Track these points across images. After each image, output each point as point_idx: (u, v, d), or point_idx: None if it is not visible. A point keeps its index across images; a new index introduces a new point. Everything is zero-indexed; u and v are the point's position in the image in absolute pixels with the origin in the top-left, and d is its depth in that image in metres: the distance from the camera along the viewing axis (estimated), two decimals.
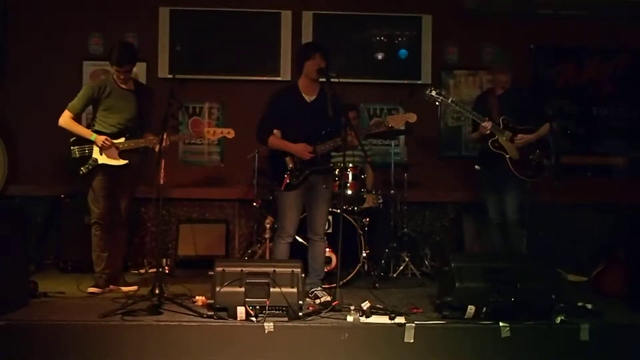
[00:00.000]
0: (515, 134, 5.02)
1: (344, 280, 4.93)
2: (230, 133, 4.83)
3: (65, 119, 4.70)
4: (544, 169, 5.06)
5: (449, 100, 5.05)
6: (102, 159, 4.68)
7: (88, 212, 4.83)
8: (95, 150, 4.68)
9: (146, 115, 4.84)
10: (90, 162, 4.67)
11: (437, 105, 5.40)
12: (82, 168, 4.67)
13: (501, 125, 5.04)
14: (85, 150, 4.68)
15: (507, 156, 5.02)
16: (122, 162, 4.71)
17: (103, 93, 4.69)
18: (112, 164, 4.69)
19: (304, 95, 4.60)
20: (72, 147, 4.70)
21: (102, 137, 4.64)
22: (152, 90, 5.02)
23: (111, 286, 4.78)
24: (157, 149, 4.61)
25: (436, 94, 5.01)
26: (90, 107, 4.81)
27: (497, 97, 5.17)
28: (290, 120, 4.56)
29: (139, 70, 6.23)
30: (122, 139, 4.71)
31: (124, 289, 4.76)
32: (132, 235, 5.60)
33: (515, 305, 3.93)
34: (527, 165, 5.02)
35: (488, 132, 5.00)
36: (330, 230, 5.03)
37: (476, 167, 5.32)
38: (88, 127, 4.76)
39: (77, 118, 4.75)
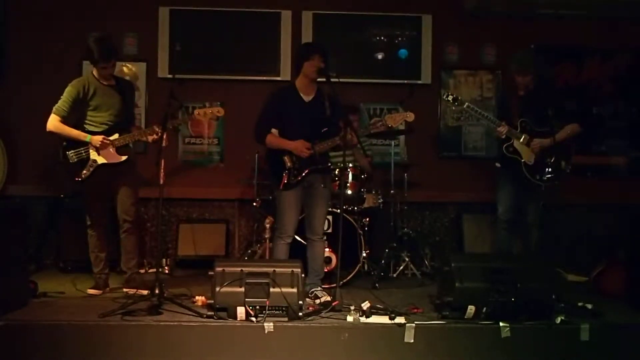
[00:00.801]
0: (532, 137, 4.94)
1: (344, 280, 4.92)
2: (220, 112, 4.75)
3: (55, 123, 4.59)
4: (561, 173, 4.94)
5: (465, 106, 4.98)
6: (101, 159, 4.63)
7: (86, 213, 4.81)
8: (92, 151, 4.62)
9: (131, 109, 4.82)
10: (90, 164, 4.61)
11: (453, 110, 5.33)
12: (83, 171, 4.60)
13: (519, 129, 4.95)
14: (81, 153, 4.61)
15: (522, 160, 4.95)
16: (122, 158, 4.66)
17: (88, 92, 4.60)
18: (112, 163, 4.64)
19: (301, 95, 4.60)
20: (67, 152, 4.61)
21: (99, 137, 4.58)
22: (133, 83, 4.98)
23: (128, 290, 4.70)
24: (150, 139, 4.63)
25: (452, 99, 4.94)
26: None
27: (519, 97, 5.06)
28: (287, 120, 4.56)
29: (139, 70, 6.25)
30: (116, 135, 4.65)
31: (139, 292, 4.60)
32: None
33: (515, 305, 3.94)
34: (542, 169, 4.91)
35: (503, 136, 4.93)
36: (330, 230, 5.03)
37: (497, 164, 5.21)
38: (76, 127, 4.64)
39: (65, 121, 4.63)
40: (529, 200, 5.02)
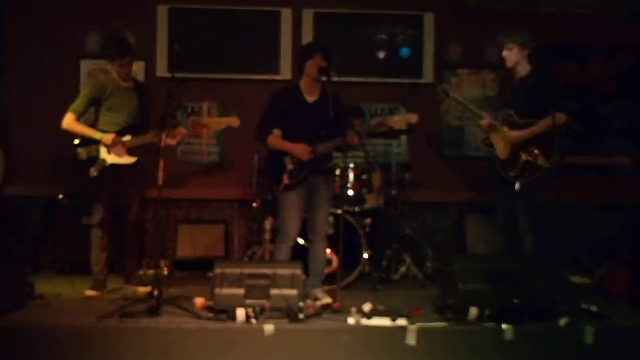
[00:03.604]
0: (513, 129, 4.67)
1: (345, 282, 4.89)
2: (235, 122, 4.77)
3: (69, 121, 4.66)
4: (537, 170, 4.53)
5: (450, 96, 4.88)
6: (111, 159, 4.68)
7: (89, 212, 4.85)
8: (102, 150, 4.67)
9: (146, 113, 4.84)
10: (99, 162, 4.65)
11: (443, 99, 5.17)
12: (92, 170, 4.63)
13: (500, 120, 4.76)
14: (91, 151, 4.66)
15: (496, 154, 4.75)
16: (131, 159, 4.72)
17: (105, 92, 4.69)
18: (120, 163, 4.69)
19: (305, 95, 4.57)
20: (77, 150, 4.66)
21: (110, 135, 4.63)
22: (149, 87, 5.02)
23: (127, 286, 4.79)
24: (169, 142, 4.69)
25: (443, 91, 4.81)
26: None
27: (511, 86, 4.89)
28: (290, 120, 4.53)
29: (138, 69, 6.20)
30: (128, 137, 4.70)
31: (141, 289, 4.68)
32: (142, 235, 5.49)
33: (518, 307, 3.90)
34: (514, 165, 4.62)
35: (486, 129, 4.77)
36: (331, 231, 4.99)
37: (486, 164, 5.09)
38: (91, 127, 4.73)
39: (79, 119, 4.70)
40: (520, 200, 4.72)
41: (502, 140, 4.74)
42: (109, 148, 4.65)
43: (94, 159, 4.65)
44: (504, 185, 4.72)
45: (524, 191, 4.62)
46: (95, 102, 4.70)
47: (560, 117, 4.51)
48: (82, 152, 4.65)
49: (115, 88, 4.72)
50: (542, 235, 4.75)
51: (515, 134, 4.66)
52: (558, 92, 4.85)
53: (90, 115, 4.83)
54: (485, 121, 4.77)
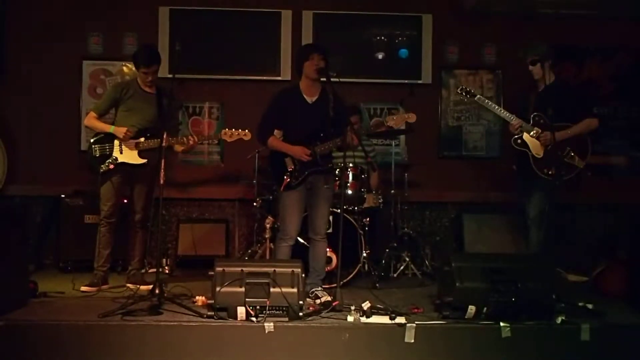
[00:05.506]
0: (544, 131, 4.75)
1: (345, 280, 4.92)
2: (247, 135, 4.88)
3: (89, 119, 4.90)
4: (573, 169, 4.74)
5: (476, 98, 4.89)
6: (122, 158, 4.82)
7: (97, 209, 4.93)
8: (116, 149, 4.81)
9: (165, 119, 4.87)
10: (110, 160, 4.80)
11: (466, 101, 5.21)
12: (102, 165, 4.80)
13: (531, 122, 4.81)
14: (106, 148, 4.82)
15: (531, 153, 4.79)
16: (141, 160, 4.84)
17: (126, 94, 4.85)
18: (130, 163, 4.82)
19: (305, 96, 4.60)
20: (93, 146, 4.85)
21: (123, 129, 4.76)
22: (175, 98, 5.06)
23: (130, 285, 4.83)
24: (180, 149, 4.93)
25: (465, 92, 4.90)
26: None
27: (537, 92, 4.93)
28: (291, 121, 4.56)
29: None
30: (142, 139, 4.82)
31: (143, 288, 4.70)
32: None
33: (515, 305, 3.92)
34: (551, 164, 4.72)
35: (517, 130, 4.80)
36: (330, 230, 5.02)
37: (513, 167, 5.07)
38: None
39: (100, 118, 4.91)
40: (536, 197, 4.82)
41: (536, 140, 4.80)
42: (121, 148, 4.80)
43: (107, 156, 4.81)
44: (532, 184, 4.82)
45: (553, 190, 4.72)
46: (116, 103, 4.87)
47: (594, 122, 4.85)
48: (96, 149, 4.83)
49: (136, 91, 4.86)
50: (548, 233, 4.80)
51: (549, 133, 4.72)
52: (590, 98, 5.11)
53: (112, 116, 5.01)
54: (517, 122, 4.82)
